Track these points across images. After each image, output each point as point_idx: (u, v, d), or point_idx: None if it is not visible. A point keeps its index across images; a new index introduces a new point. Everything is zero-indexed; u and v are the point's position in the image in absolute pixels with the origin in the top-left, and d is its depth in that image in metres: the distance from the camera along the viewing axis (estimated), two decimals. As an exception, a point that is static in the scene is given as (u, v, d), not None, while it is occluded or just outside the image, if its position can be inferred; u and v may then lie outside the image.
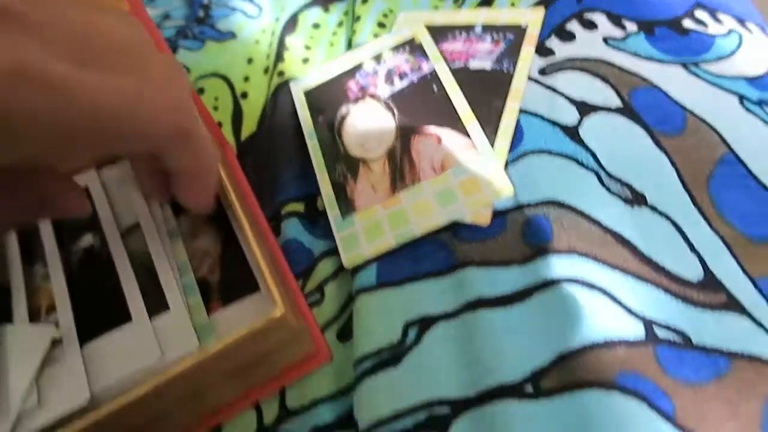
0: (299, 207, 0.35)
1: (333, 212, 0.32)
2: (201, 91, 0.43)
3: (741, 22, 0.35)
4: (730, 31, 0.35)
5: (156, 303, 0.28)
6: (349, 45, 0.41)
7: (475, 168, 0.31)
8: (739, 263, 0.26)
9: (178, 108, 0.23)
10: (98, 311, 0.29)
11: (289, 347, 0.28)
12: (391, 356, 0.27)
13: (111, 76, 0.20)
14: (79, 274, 0.30)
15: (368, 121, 0.35)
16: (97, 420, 0.24)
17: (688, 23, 0.35)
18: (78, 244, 0.31)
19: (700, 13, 0.35)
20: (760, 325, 0.25)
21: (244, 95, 0.42)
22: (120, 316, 0.28)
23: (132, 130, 0.21)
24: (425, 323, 0.28)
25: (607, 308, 0.25)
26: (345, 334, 0.30)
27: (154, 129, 0.22)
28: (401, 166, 0.32)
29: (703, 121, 0.31)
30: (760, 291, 0.25)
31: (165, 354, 0.27)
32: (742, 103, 0.31)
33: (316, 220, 0.34)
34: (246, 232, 0.28)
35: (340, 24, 0.44)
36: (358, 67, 0.38)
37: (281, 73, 0.41)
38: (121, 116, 0.20)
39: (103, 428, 0.25)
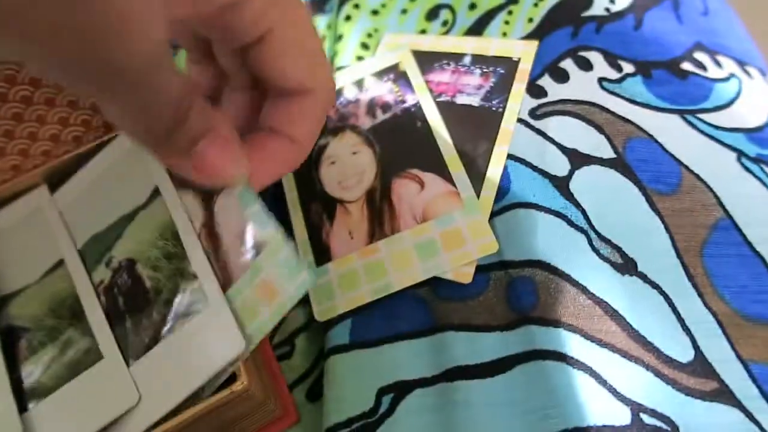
0: (271, 246, 0.32)
1: (306, 259, 0.30)
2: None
3: (741, 65, 0.34)
4: (730, 76, 0.33)
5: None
6: (331, 66, 0.39)
7: (459, 221, 0.29)
8: (731, 345, 0.25)
9: None
10: None
11: (253, 415, 0.26)
12: (363, 427, 0.26)
13: None
14: None
15: (347, 157, 0.33)
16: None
17: (687, 65, 0.33)
18: None
19: (699, 55, 0.33)
20: (751, 418, 0.23)
21: (217, 113, 0.40)
22: None
23: None
24: (400, 390, 0.26)
25: (593, 390, 0.24)
26: (315, 393, 0.29)
27: None
28: (380, 211, 0.30)
29: (699, 178, 0.29)
30: (753, 378, 0.24)
31: None
32: (739, 160, 0.30)
33: (288, 261, 0.32)
34: None
35: (322, 39, 0.41)
36: (338, 93, 0.36)
37: (257, 92, 0.39)
38: None
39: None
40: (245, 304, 0.23)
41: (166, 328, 0.25)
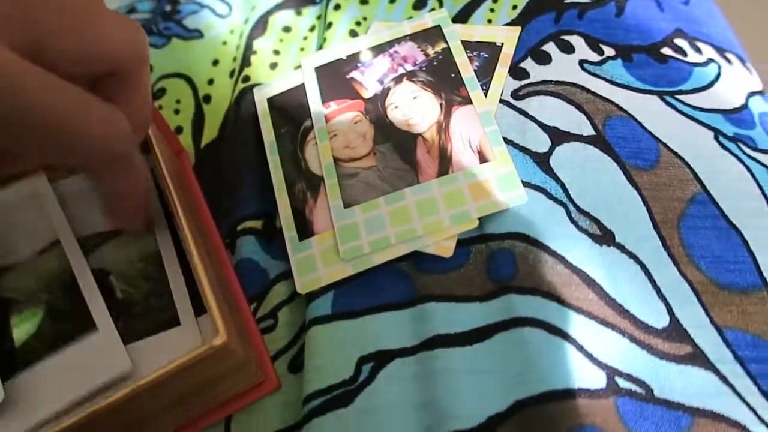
0: (257, 224, 0.33)
1: (290, 233, 0.31)
2: (162, 91, 0.41)
3: (720, 51, 0.34)
4: (709, 61, 0.34)
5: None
6: (319, 52, 0.39)
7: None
8: (706, 311, 0.25)
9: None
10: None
11: (235, 375, 0.26)
12: (343, 394, 0.26)
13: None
14: None
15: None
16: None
17: (666, 50, 0.33)
18: None
19: (679, 41, 0.34)
20: (725, 380, 0.24)
21: (207, 99, 0.40)
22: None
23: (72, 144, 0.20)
24: (380, 359, 0.27)
25: (569, 355, 0.24)
26: (297, 365, 0.29)
27: (92, 149, 0.21)
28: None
29: (677, 155, 0.29)
30: (727, 343, 0.24)
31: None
32: (717, 138, 0.30)
33: (273, 238, 0.32)
34: (192, 252, 0.26)
35: (312, 29, 0.42)
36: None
37: (247, 78, 0.39)
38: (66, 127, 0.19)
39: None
40: (453, 193, 0.29)
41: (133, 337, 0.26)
